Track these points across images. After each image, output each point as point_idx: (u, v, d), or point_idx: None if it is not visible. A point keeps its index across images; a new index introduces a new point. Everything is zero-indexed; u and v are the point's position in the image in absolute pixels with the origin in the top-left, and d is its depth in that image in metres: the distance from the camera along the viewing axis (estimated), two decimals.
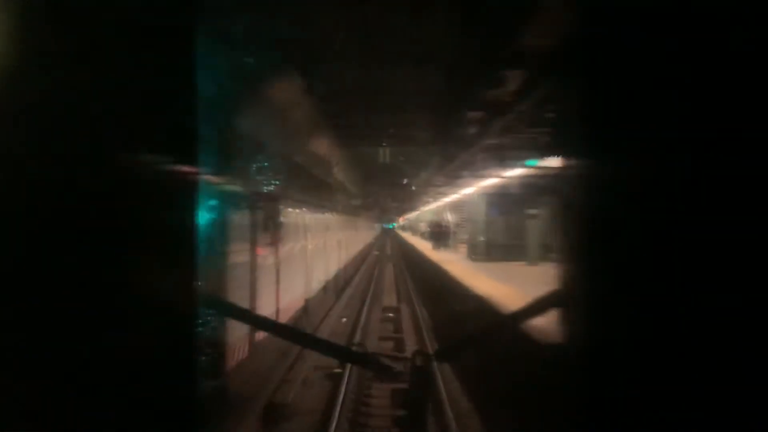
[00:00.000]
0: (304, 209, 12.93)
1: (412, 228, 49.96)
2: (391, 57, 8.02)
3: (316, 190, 14.62)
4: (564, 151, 1.72)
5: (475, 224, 18.26)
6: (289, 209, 11.18)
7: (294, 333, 3.39)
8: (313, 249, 13.46)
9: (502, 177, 14.26)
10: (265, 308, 8.49)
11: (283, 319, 9.75)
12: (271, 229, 8.66)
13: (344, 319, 14.68)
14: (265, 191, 9.02)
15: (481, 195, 17.65)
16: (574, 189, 1.48)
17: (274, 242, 8.85)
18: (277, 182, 10.13)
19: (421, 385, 2.36)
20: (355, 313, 15.76)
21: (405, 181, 30.54)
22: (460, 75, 8.74)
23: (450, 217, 28.21)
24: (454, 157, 16.09)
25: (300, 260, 11.63)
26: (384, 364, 2.53)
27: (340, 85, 9.29)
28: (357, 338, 12.46)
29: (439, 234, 26.06)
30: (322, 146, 13.68)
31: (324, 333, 12.90)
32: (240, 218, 7.29)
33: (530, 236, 15.94)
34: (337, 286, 18.94)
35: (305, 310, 11.95)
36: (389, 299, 19.80)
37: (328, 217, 17.89)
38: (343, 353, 4.27)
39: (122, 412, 1.22)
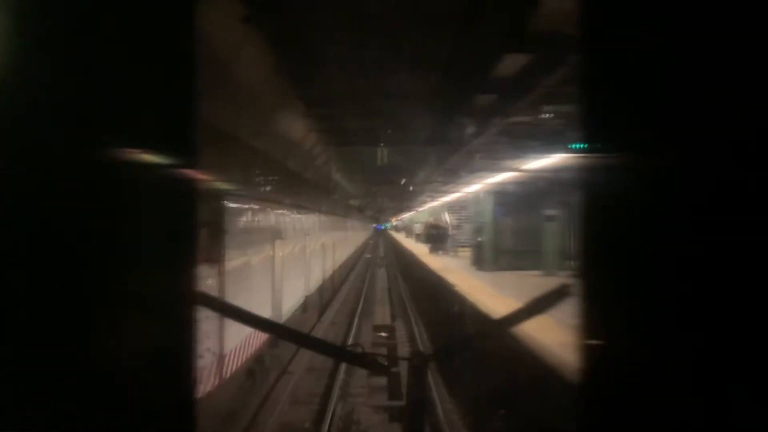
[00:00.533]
0: (275, 210, 10.31)
1: (406, 229, 47.87)
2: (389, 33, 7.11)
3: (291, 187, 11.99)
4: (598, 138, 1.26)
5: (480, 226, 15.67)
6: (252, 210, 8.56)
7: (291, 333, 3.19)
8: (286, 258, 10.81)
9: (515, 170, 12.01)
10: (204, 356, 5.90)
11: (238, 362, 7.17)
12: (210, 237, 6.04)
13: None
14: (207, 187, 6.38)
15: (487, 193, 15.17)
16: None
17: (215, 256, 6.22)
18: (229, 176, 7.49)
19: (419, 385, 2.39)
20: (342, 334, 13.19)
21: (402, 181, 28.38)
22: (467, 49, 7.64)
23: (448, 218, 25.72)
24: (456, 148, 13.98)
25: (265, 276, 8.99)
26: (381, 363, 2.53)
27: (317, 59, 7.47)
28: (342, 374, 9.87)
29: (436, 236, 23.44)
30: (296, 133, 11.07)
31: (300, 366, 10.31)
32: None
33: (547, 241, 13.37)
34: (321, 300, 16.31)
35: (274, 341, 9.33)
36: (382, 312, 17.22)
37: (309, 219, 15.23)
38: (339, 353, 4.12)
39: (116, 414, 1.14)
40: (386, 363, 3.67)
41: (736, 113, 0.89)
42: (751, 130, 0.87)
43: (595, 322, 1.18)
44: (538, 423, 5.43)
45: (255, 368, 7.98)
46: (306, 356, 10.75)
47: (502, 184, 13.98)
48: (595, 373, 1.19)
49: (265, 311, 8.91)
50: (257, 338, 8.22)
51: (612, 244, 1.17)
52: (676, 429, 1.02)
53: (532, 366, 5.55)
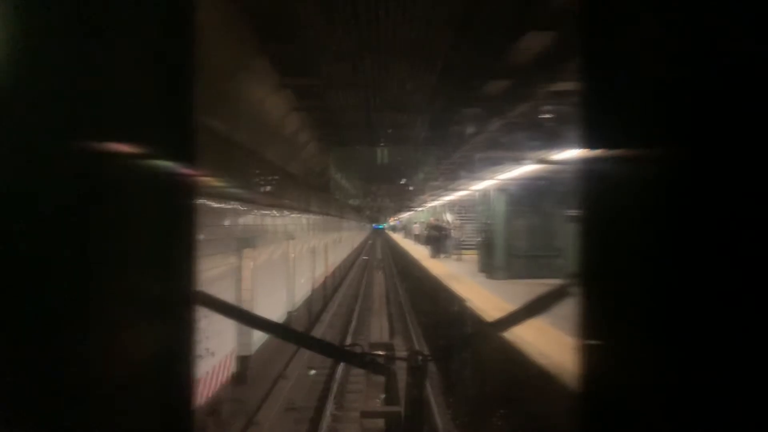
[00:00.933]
0: (246, 213, 8.44)
1: (404, 229, 46.29)
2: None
3: (270, 184, 10.10)
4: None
5: (488, 227, 13.81)
6: (209, 212, 6.69)
7: (291, 333, 3.16)
8: (260, 271, 8.92)
9: (529, 163, 10.44)
10: None
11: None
12: None
13: (313, 372, 10.19)
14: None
15: (498, 190, 13.36)
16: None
17: None
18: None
19: (418, 384, 2.42)
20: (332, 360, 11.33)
21: (402, 180, 26.75)
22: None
23: (450, 218, 23.90)
24: (461, 143, 12.35)
25: (226, 295, 7.10)
26: (380, 363, 2.54)
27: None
28: (331, 407, 8.02)
29: (437, 238, 21.57)
30: (276, 118, 9.20)
31: (279, 399, 8.45)
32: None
33: (570, 245, 11.53)
34: (309, 314, 14.42)
35: (241, 377, 7.46)
36: (379, 325, 15.36)
37: (295, 222, 13.33)
38: (337, 353, 4.01)
39: (113, 415, 1.09)
40: (384, 363, 3.47)
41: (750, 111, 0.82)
42: (762, 129, 0.81)
43: (596, 322, 1.15)
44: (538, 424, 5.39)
45: (208, 422, 6.11)
46: (284, 392, 8.88)
47: (514, 180, 12.25)
48: (595, 375, 1.13)
49: (230, 335, 7.03)
50: (214, 379, 6.35)
51: (613, 243, 1.11)
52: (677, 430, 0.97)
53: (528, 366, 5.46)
